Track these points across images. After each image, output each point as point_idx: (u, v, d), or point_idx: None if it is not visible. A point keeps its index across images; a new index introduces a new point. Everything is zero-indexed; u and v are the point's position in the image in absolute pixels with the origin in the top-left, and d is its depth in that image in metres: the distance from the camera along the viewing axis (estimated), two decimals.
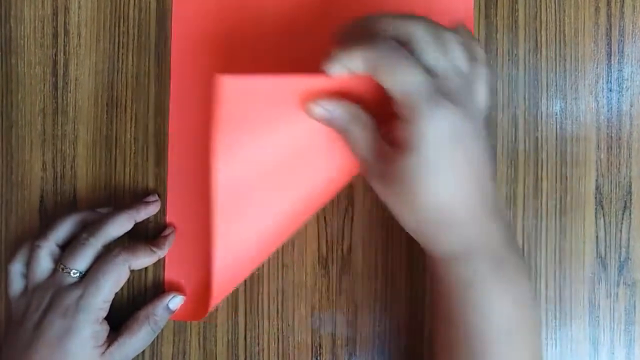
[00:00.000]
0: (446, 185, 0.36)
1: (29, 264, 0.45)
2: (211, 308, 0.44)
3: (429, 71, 0.36)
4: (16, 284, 0.45)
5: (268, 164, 0.40)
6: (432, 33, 0.36)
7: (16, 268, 0.45)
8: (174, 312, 0.47)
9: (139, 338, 0.45)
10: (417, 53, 0.36)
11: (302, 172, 0.42)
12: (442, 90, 0.36)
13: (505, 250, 0.39)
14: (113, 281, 0.43)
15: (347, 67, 0.37)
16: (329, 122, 0.39)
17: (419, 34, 0.36)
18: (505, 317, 0.38)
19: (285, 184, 0.42)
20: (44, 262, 0.44)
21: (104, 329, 0.44)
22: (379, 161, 0.38)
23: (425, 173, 0.36)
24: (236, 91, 0.38)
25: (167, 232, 0.47)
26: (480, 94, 0.38)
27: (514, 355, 0.39)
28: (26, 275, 0.45)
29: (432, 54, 0.36)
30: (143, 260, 0.45)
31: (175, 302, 0.47)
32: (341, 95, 0.39)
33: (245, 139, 0.39)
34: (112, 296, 0.44)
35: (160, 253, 0.46)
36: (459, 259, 0.38)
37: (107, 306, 0.44)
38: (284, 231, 0.43)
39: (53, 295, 0.43)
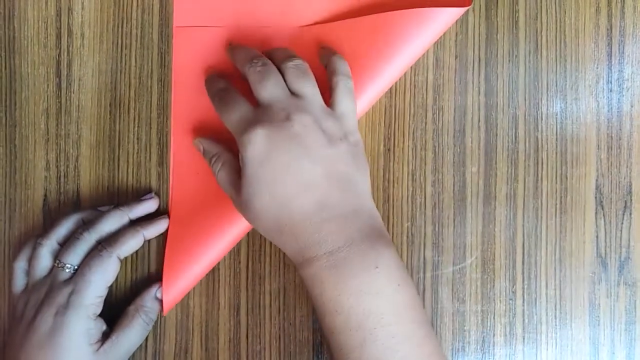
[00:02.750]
0: (262, 200, 0.40)
1: (30, 261, 0.45)
2: (171, 298, 0.46)
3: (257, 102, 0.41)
4: (19, 281, 0.45)
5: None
6: (257, 72, 0.41)
7: (20, 265, 0.46)
8: (161, 300, 0.46)
9: (132, 332, 0.45)
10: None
11: None
12: (258, 118, 0.40)
13: (346, 250, 0.39)
14: (101, 275, 0.43)
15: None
16: (202, 154, 0.46)
17: (247, 71, 0.42)
18: (350, 314, 0.39)
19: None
20: (44, 259, 0.45)
21: (98, 326, 0.44)
22: (237, 194, 0.42)
23: (247, 193, 0.40)
24: (188, 40, 0.47)
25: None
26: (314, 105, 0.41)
27: (371, 346, 0.38)
28: (28, 273, 0.45)
29: (256, 86, 0.41)
30: (130, 243, 0.45)
31: (162, 291, 0.46)
32: None
33: (199, 87, 0.46)
34: (104, 291, 0.44)
35: (146, 233, 0.46)
36: (301, 264, 0.40)
37: (99, 302, 0.44)
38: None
39: (47, 292, 0.43)
